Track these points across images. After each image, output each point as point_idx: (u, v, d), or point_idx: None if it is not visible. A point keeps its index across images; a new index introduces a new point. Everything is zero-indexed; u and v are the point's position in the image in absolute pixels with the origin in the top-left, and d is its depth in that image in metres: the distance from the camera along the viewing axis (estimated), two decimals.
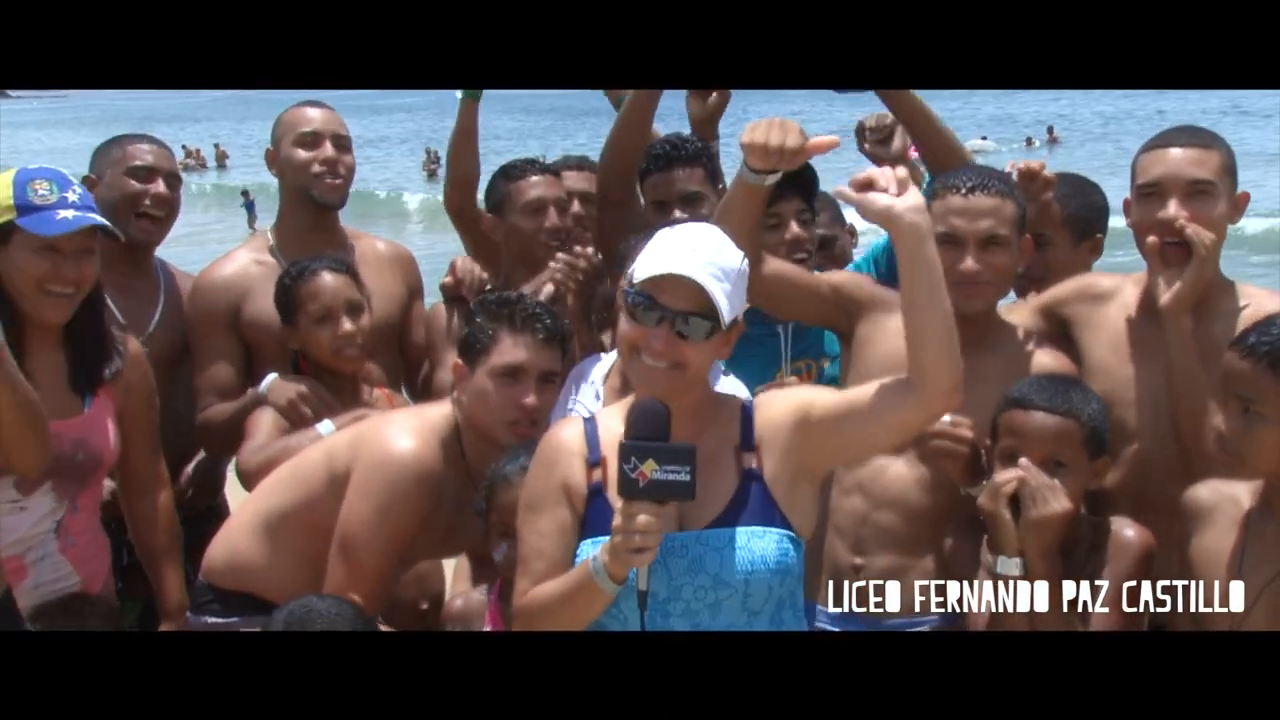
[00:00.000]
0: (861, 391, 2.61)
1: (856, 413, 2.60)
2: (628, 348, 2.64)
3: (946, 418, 2.95)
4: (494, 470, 3.07)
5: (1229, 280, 3.21)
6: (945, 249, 3.03)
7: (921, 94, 3.54)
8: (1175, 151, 3.15)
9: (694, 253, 2.60)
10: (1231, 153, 3.21)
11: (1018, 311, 3.37)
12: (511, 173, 4.17)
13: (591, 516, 2.63)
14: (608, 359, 3.68)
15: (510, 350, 3.22)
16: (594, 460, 2.67)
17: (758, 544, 2.58)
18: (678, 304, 2.58)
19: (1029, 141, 38.41)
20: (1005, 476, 2.84)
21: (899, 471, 3.17)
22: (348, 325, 3.72)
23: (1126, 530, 2.92)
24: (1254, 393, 2.65)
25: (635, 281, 2.63)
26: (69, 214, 3.20)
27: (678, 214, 3.99)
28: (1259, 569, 2.70)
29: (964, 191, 3.10)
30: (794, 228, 3.66)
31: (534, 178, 4.11)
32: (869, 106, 4.12)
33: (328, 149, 4.12)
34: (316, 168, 4.10)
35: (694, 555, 2.57)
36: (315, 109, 4.20)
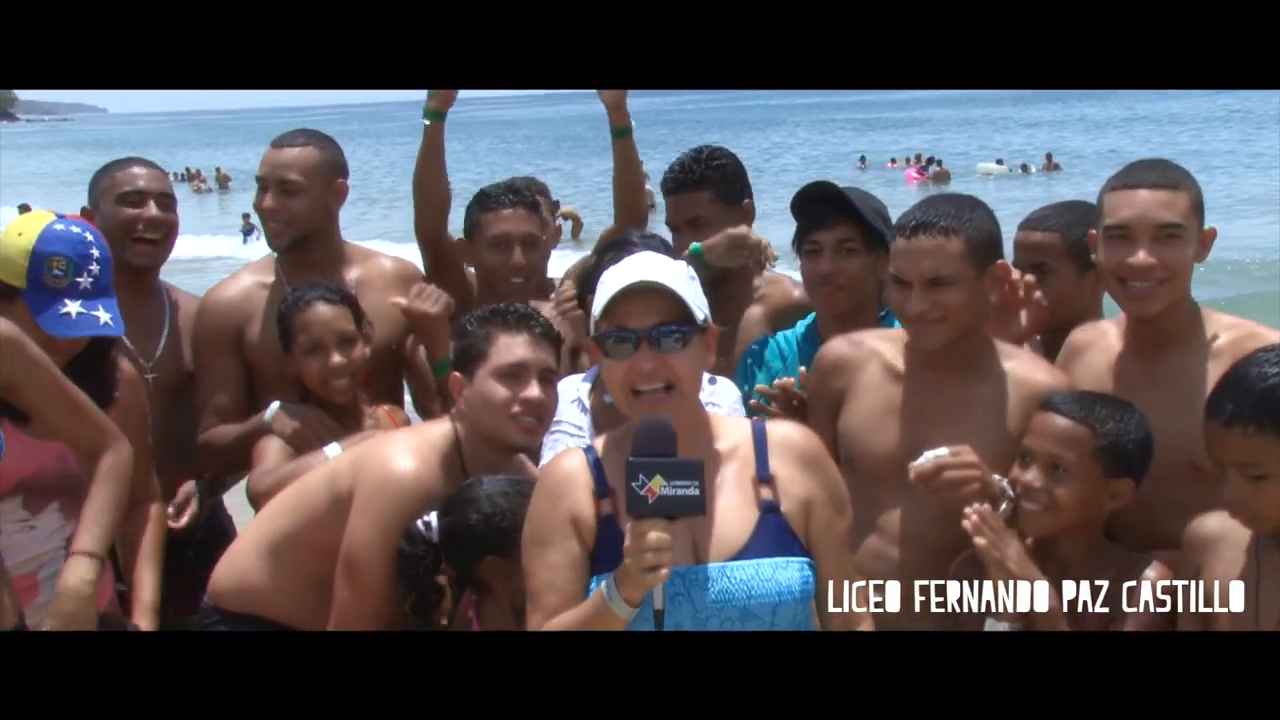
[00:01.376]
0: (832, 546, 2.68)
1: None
2: (620, 387, 2.63)
3: (944, 450, 2.98)
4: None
5: (1197, 307, 3.18)
6: (896, 289, 3.14)
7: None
8: (1144, 194, 3.09)
9: (639, 266, 2.64)
10: (1199, 189, 3.17)
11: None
12: (486, 202, 4.17)
13: (603, 549, 2.61)
14: (580, 378, 3.69)
15: (508, 349, 3.24)
16: (601, 492, 2.65)
17: (783, 574, 2.59)
18: (646, 322, 2.59)
19: (1025, 168, 38.22)
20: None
21: (911, 509, 3.15)
22: (336, 358, 3.74)
23: (1150, 571, 2.88)
24: (1251, 458, 2.63)
25: (598, 320, 2.65)
26: (74, 309, 3.20)
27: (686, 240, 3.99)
28: (1273, 601, 2.69)
29: (908, 234, 3.11)
30: (826, 260, 3.65)
31: (504, 211, 4.10)
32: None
33: (268, 199, 4.12)
34: (265, 215, 4.13)
35: (721, 588, 2.56)
36: (277, 149, 4.15)
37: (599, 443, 2.76)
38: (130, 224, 4.03)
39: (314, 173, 4.12)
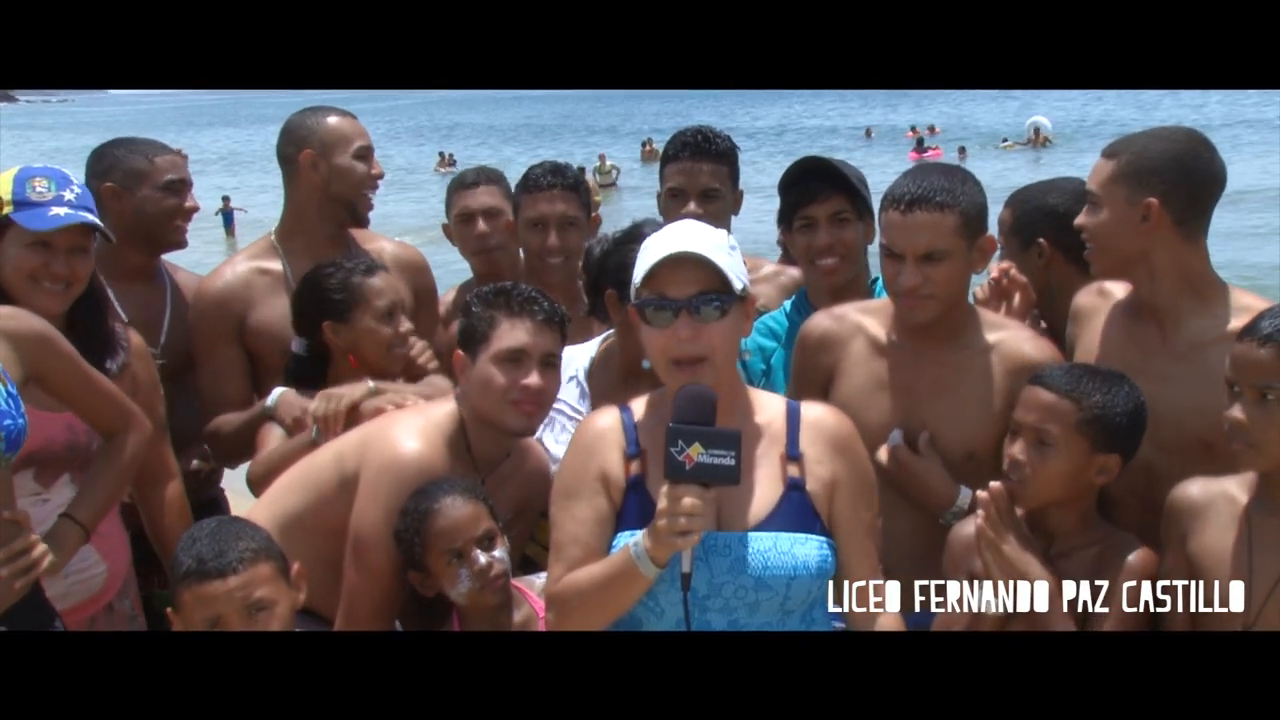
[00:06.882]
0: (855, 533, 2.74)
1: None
2: (659, 356, 2.68)
3: (899, 440, 3.12)
4: (413, 507, 3.09)
5: (1221, 282, 3.14)
6: (888, 260, 3.15)
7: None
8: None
9: (680, 236, 2.68)
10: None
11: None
12: (527, 183, 4.19)
13: (629, 509, 2.68)
14: (586, 350, 3.71)
15: (509, 334, 3.25)
16: (633, 453, 2.71)
17: (801, 550, 2.65)
18: (685, 291, 2.64)
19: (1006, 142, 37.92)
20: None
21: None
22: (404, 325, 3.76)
23: (1130, 555, 2.86)
24: (1275, 379, 2.64)
25: (638, 288, 2.68)
26: (61, 211, 3.26)
27: (693, 206, 4.02)
28: (1268, 566, 2.70)
29: (903, 208, 3.11)
30: (824, 233, 3.67)
31: (542, 193, 4.13)
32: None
33: (378, 165, 4.16)
34: (370, 184, 4.12)
35: (737, 556, 2.62)
36: (352, 121, 4.15)
37: (636, 404, 2.81)
38: (176, 213, 4.09)
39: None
